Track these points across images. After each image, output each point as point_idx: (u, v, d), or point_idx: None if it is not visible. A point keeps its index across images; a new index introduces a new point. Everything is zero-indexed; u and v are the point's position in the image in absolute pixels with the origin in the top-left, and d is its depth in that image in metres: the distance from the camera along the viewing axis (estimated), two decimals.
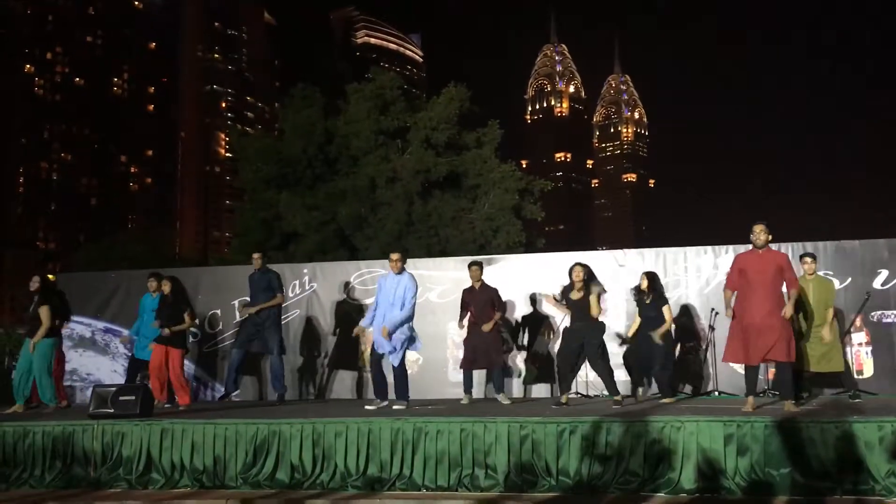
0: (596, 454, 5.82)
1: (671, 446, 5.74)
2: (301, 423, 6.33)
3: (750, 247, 6.93)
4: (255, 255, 9.21)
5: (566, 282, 8.61)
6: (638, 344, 8.27)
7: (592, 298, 7.55)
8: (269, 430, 6.34)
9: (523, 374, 9.55)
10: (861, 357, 8.63)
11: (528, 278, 9.60)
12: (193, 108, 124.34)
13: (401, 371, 7.94)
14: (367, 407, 7.61)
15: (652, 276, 8.32)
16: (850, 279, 8.79)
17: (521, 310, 9.58)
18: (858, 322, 8.57)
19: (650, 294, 8.23)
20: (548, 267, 9.68)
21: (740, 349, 6.73)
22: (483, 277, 8.64)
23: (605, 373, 7.69)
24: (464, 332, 8.68)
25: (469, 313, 8.54)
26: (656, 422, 5.85)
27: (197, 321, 9.48)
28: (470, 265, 8.70)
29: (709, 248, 9.31)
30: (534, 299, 9.55)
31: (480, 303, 8.47)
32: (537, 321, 9.55)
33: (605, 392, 8.61)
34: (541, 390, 9.49)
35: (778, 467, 5.53)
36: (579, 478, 5.77)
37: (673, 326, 8.47)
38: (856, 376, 8.43)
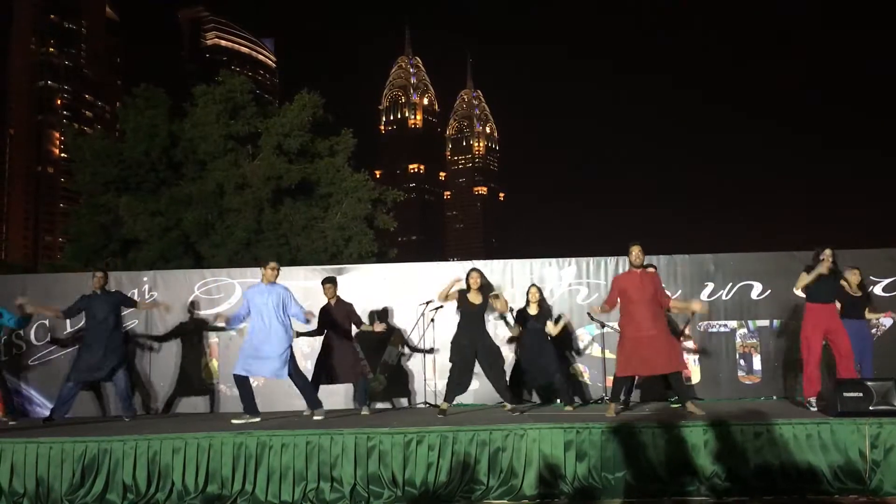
0: (442, 464, 5.88)
1: (515, 454, 5.89)
2: (135, 439, 6.00)
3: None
4: (99, 275, 8.44)
5: (418, 292, 8.64)
6: (529, 356, 8.28)
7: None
8: (99, 447, 5.97)
9: (381, 386, 9.44)
10: (689, 364, 9.19)
11: (379, 288, 9.56)
12: (24, 103, 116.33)
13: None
14: (233, 421, 7.20)
15: (539, 289, 8.47)
16: (679, 291, 9.34)
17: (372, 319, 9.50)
18: (687, 331, 9.13)
19: (538, 307, 8.30)
20: (399, 277, 9.69)
21: (627, 361, 7.05)
22: (338, 293, 8.48)
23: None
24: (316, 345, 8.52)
25: (325, 331, 8.33)
26: (500, 430, 5.98)
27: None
28: (324, 282, 8.47)
29: (553, 260, 9.64)
30: (387, 311, 9.52)
31: (338, 319, 8.29)
32: (388, 332, 9.51)
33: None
34: (394, 402, 9.47)
35: (613, 471, 5.80)
36: (425, 487, 5.81)
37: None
38: (684, 382, 8.94)
